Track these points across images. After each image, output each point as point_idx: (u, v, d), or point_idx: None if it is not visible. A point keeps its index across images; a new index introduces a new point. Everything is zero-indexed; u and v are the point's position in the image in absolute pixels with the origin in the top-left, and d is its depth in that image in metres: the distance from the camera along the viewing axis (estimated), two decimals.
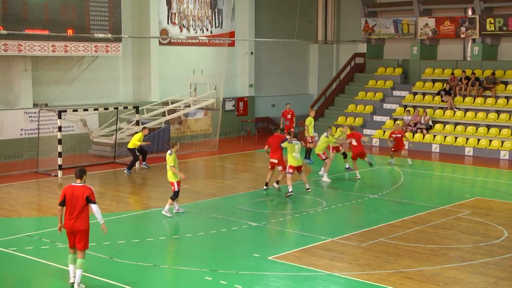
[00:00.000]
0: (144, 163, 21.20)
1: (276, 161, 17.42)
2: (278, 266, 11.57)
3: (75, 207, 10.22)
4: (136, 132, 21.16)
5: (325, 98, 31.87)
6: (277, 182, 17.51)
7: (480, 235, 13.73)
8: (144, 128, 21.04)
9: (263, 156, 24.45)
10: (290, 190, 17.21)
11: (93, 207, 10.27)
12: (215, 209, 15.86)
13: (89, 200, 10.25)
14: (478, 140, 25.52)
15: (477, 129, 26.07)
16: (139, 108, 23.01)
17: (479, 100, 27.16)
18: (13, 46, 21.38)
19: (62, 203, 10.34)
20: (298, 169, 17.24)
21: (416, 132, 26.91)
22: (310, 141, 22.67)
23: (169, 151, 14.94)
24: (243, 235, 13.89)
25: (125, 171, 20.33)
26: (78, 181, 10.40)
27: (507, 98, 26.89)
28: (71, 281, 10.42)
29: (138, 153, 20.75)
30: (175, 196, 14.98)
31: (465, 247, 12.88)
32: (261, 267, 11.54)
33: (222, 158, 24.33)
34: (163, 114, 25.01)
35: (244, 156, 24.93)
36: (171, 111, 25.25)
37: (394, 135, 22.98)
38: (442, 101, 27.84)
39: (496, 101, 26.88)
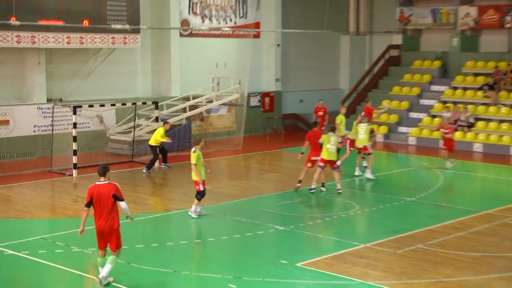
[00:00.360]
0: (164, 163, 21.23)
1: (318, 158, 17.40)
2: (307, 273, 11.48)
3: (103, 206, 10.33)
4: (156, 129, 21.19)
5: (357, 93, 31.65)
6: (323, 185, 17.80)
7: None
8: (165, 123, 21.03)
9: (291, 155, 24.38)
10: (313, 186, 17.39)
11: (121, 204, 10.39)
12: (239, 211, 15.81)
13: (116, 197, 10.31)
14: None
15: None
16: (159, 104, 23.07)
17: None
18: (26, 38, 21.57)
19: (89, 204, 10.44)
20: (331, 164, 17.19)
21: (456, 130, 26.56)
22: (340, 140, 22.43)
23: (193, 148, 14.92)
24: (270, 240, 13.83)
25: (144, 171, 20.39)
26: (102, 179, 10.50)
27: None
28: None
29: (158, 152, 20.78)
30: (200, 195, 14.96)
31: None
32: (289, 274, 11.47)
33: (246, 157, 24.29)
34: (184, 110, 25.06)
35: (270, 155, 24.87)
36: (192, 107, 25.29)
37: (442, 130, 21.86)
38: (485, 96, 27.43)
39: None
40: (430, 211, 16.10)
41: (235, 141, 26.36)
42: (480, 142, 25.73)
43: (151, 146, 20.66)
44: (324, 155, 17.22)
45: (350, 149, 20.27)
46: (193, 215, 15.06)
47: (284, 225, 14.59)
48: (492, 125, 26.39)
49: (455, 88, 28.94)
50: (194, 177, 14.95)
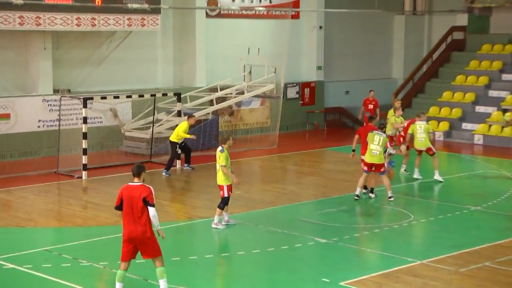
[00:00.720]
0: (186, 164, 21.32)
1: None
2: None
3: (133, 210, 10.48)
4: (178, 124, 21.30)
5: (413, 83, 31.45)
6: (372, 191, 17.74)
7: None
8: (190, 116, 21.11)
9: (334, 155, 24.33)
10: (357, 192, 17.44)
11: (150, 210, 10.51)
12: (274, 221, 15.80)
13: (146, 201, 10.44)
14: None
15: None
16: (181, 96, 23.18)
17: None
18: (30, 19, 21.85)
19: (120, 207, 10.62)
20: (376, 168, 17.10)
21: None
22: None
23: (219, 148, 14.95)
24: (309, 254, 13.82)
25: (163, 173, 20.51)
26: (136, 179, 10.68)
27: None
28: None
29: (179, 150, 20.88)
30: (223, 204, 15.00)
31: None
32: None
33: (282, 158, 24.26)
34: (211, 103, 25.14)
35: (310, 155, 24.81)
36: (220, 99, 25.35)
37: None
38: None
39: None
40: (499, 223, 15.92)
41: (270, 139, 26.35)
42: None
43: (171, 143, 20.78)
44: (367, 157, 17.20)
45: (404, 148, 20.18)
46: (219, 227, 15.08)
47: (326, 237, 14.54)
48: None
49: None
50: (222, 181, 14.95)
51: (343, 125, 31.64)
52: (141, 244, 10.59)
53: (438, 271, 12.60)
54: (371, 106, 25.73)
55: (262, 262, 13.30)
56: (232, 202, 15.50)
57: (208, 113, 24.85)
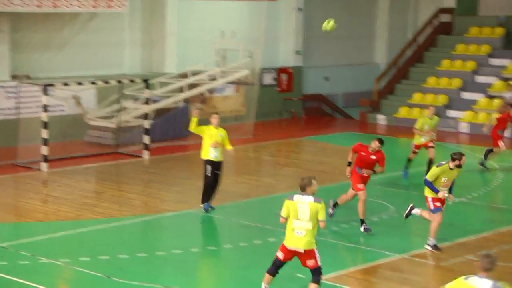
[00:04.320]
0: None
1: None
2: None
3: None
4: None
5: (397, 69, 31.51)
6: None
7: None
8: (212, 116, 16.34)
9: (312, 145, 24.37)
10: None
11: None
12: (248, 214, 15.84)
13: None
14: None
15: None
16: (150, 82, 23.11)
17: None
18: None
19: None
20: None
21: None
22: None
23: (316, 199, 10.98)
24: None
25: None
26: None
27: None
28: None
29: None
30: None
31: None
32: None
33: (258, 148, 24.29)
34: (181, 89, 25.08)
35: (287, 145, 24.86)
36: (192, 86, 25.29)
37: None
38: None
39: None
40: (483, 215, 16.13)
41: (245, 127, 26.35)
42: None
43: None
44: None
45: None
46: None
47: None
48: None
49: None
50: (314, 244, 10.83)
51: (322, 113, 31.71)
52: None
53: (419, 266, 12.71)
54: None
55: (234, 258, 13.33)
56: (199, 194, 15.46)
57: (179, 101, 24.79)
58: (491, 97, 27.88)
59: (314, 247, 10.51)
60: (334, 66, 32.57)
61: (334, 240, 14.33)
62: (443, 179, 13.26)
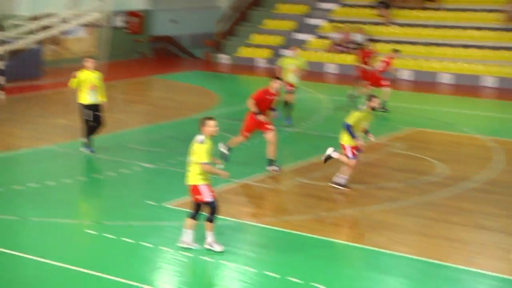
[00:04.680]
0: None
1: None
2: (175, 214, 11.58)
3: None
4: None
5: (238, 12, 31.60)
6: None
7: (413, 171, 14.25)
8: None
9: (161, 83, 24.20)
10: None
11: None
12: (101, 148, 15.58)
13: None
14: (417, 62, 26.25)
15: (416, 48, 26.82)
16: (3, 24, 21.99)
17: (419, 13, 27.79)
18: None
19: None
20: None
21: (344, 53, 27.32)
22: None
23: (200, 137, 9.96)
24: (136, 180, 13.82)
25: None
26: None
27: (454, 10, 27.68)
28: None
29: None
30: (213, 211, 10.15)
31: (398, 185, 13.35)
32: (156, 216, 11.54)
33: (110, 87, 23.59)
34: (33, 31, 24.07)
35: (137, 84, 24.56)
36: (44, 28, 24.33)
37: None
38: (379, 15, 28.31)
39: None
40: (314, 142, 16.56)
41: (97, 68, 25.63)
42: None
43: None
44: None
45: None
46: (216, 249, 10.15)
47: (153, 163, 14.58)
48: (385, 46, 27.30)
49: (345, 5, 29.53)
50: (196, 180, 10.01)
51: (170, 54, 31.47)
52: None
53: (258, 189, 13.06)
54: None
55: (88, 189, 13.24)
56: (54, 130, 15.04)
57: (32, 43, 23.82)
58: (321, 37, 28.56)
59: (197, 183, 9.91)
60: (181, 10, 32.25)
61: (181, 170, 14.28)
62: (363, 123, 12.98)
